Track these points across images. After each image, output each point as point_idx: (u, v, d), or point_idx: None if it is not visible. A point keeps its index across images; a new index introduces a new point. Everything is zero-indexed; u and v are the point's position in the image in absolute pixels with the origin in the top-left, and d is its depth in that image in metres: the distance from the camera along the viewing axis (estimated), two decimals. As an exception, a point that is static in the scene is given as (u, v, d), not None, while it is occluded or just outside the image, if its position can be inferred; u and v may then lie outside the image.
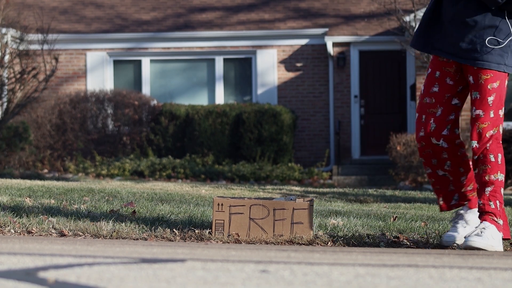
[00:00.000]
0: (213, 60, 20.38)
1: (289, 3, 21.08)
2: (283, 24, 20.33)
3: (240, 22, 20.64)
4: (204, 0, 21.42)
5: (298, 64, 20.05)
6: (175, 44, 20.31)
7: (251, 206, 4.98)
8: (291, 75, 20.09)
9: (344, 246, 4.93)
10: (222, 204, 4.98)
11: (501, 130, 4.64)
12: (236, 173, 17.76)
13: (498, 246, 4.64)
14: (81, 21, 21.00)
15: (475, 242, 4.57)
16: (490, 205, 4.64)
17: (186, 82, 20.56)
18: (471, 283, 2.78)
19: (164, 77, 20.63)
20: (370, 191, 11.54)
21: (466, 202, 4.82)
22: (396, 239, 5.02)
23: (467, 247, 4.62)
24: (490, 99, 4.56)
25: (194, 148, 18.85)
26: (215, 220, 4.97)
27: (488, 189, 4.65)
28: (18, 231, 5.07)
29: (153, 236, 4.96)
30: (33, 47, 18.03)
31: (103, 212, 5.83)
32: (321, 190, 12.13)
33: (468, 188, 4.79)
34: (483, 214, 4.69)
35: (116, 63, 20.65)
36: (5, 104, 17.43)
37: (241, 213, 4.97)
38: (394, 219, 6.05)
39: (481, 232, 4.60)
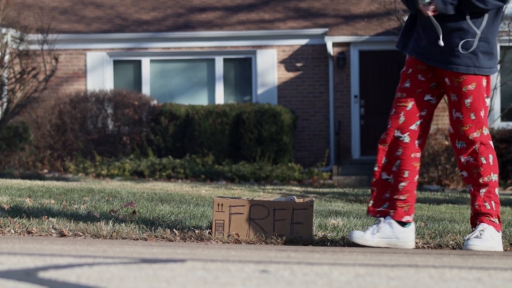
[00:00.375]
0: (213, 60, 20.38)
1: (289, 3, 21.08)
2: (283, 24, 20.33)
3: (240, 22, 20.64)
4: (204, 0, 21.42)
5: (298, 64, 20.05)
6: (175, 44, 20.31)
7: (251, 206, 4.98)
8: (291, 75, 20.09)
9: (344, 246, 4.93)
10: (222, 204, 4.98)
11: (485, 132, 4.65)
12: (236, 173, 17.76)
13: (498, 246, 4.66)
14: (81, 21, 21.00)
15: (476, 245, 4.60)
16: (485, 206, 4.68)
17: (186, 82, 20.56)
18: (471, 283, 2.78)
19: (164, 77, 20.63)
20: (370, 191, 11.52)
21: (391, 211, 4.78)
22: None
23: (467, 248, 4.63)
24: (467, 101, 4.59)
25: (194, 148, 18.85)
26: (215, 220, 4.97)
27: (483, 190, 4.68)
28: (18, 231, 5.08)
29: (153, 236, 4.96)
30: (33, 47, 18.03)
31: (103, 212, 5.84)
32: (321, 190, 12.13)
33: (401, 198, 4.74)
34: (480, 216, 4.71)
35: (116, 63, 20.65)
36: (5, 104, 17.44)
37: (241, 213, 4.97)
38: (394, 219, 6.04)
39: (480, 234, 4.62)
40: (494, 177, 4.67)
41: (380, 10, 19.46)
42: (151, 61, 20.54)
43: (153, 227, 5.14)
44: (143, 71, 20.54)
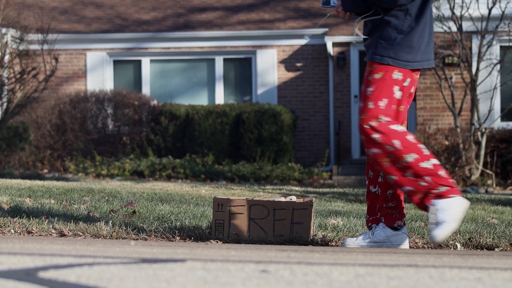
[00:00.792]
0: (213, 60, 20.38)
1: (289, 3, 21.08)
2: (283, 24, 20.34)
3: (240, 22, 20.64)
4: (204, 0, 21.42)
5: (298, 64, 20.05)
6: (175, 44, 20.31)
7: (251, 206, 4.98)
8: (291, 75, 20.09)
9: (344, 245, 4.93)
10: (222, 204, 4.98)
11: (383, 120, 4.50)
12: (236, 173, 17.76)
13: (456, 212, 4.47)
14: (81, 21, 21.00)
15: (436, 236, 4.48)
16: (420, 185, 4.50)
17: (186, 82, 20.56)
18: (471, 283, 2.78)
19: (164, 77, 20.63)
20: (370, 191, 11.51)
21: (383, 218, 4.77)
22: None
23: (433, 242, 4.59)
24: (369, 89, 4.56)
25: (194, 148, 18.85)
26: (215, 220, 4.97)
27: (408, 174, 4.52)
28: (18, 231, 5.08)
29: (153, 236, 4.96)
30: (33, 47, 18.03)
31: (103, 212, 5.84)
32: (321, 190, 12.13)
33: (390, 204, 4.74)
34: (425, 198, 4.54)
35: (116, 63, 20.65)
36: (5, 104, 17.44)
37: (241, 213, 4.97)
38: (394, 219, 6.04)
39: (435, 216, 4.47)
40: (411, 157, 4.50)
41: (380, 10, 19.46)
42: (151, 61, 20.54)
43: (153, 227, 5.14)
44: (143, 71, 20.54)
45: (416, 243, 5.02)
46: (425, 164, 4.50)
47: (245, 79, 20.45)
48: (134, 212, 5.81)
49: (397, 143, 4.52)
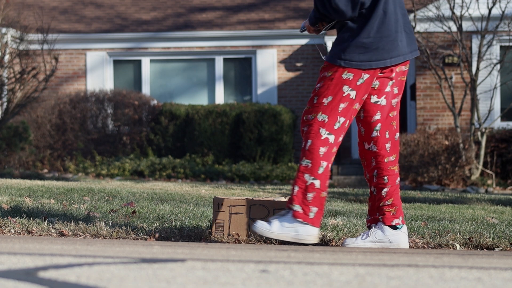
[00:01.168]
0: (213, 60, 20.38)
1: (289, 3, 21.09)
2: (283, 24, 20.34)
3: (240, 22, 20.64)
4: (204, 0, 21.42)
5: (298, 64, 20.05)
6: (175, 44, 20.31)
7: (251, 206, 4.98)
8: (291, 75, 20.10)
9: (344, 246, 4.93)
10: (222, 204, 4.98)
11: (320, 118, 4.61)
12: (236, 173, 17.76)
13: (286, 235, 4.58)
14: (81, 21, 21.00)
15: (257, 227, 4.61)
16: (293, 189, 4.65)
17: (186, 82, 20.56)
18: (471, 283, 2.78)
19: (164, 77, 20.62)
20: (370, 191, 11.51)
21: (380, 217, 4.81)
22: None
23: (252, 230, 4.66)
24: (318, 86, 4.65)
25: (194, 148, 18.85)
26: (215, 220, 4.97)
27: (296, 173, 4.68)
28: (18, 231, 5.08)
29: (153, 236, 4.96)
30: (33, 47, 18.03)
31: (103, 212, 5.83)
32: (321, 190, 12.11)
33: (386, 203, 4.79)
34: (289, 200, 4.71)
35: (116, 63, 20.65)
36: (5, 104, 17.44)
37: (241, 213, 4.97)
38: (394, 219, 6.04)
39: (279, 217, 4.64)
40: (304, 162, 4.62)
41: (380, 10, 19.46)
42: (151, 61, 20.54)
43: (153, 227, 5.14)
44: (143, 71, 20.54)
45: (416, 243, 5.03)
46: (307, 177, 4.61)
47: (245, 79, 20.45)
48: (134, 212, 5.81)
49: (308, 143, 4.64)
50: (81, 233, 5.01)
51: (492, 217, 6.74)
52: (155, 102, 19.57)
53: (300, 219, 4.61)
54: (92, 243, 4.41)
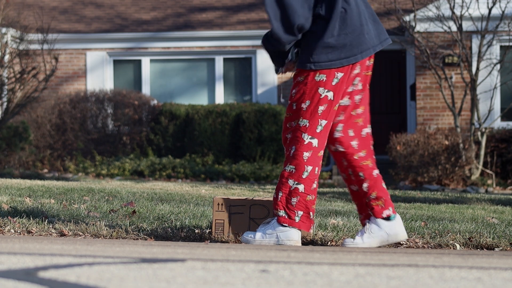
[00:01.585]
0: (213, 60, 20.38)
1: (289, 3, 21.08)
2: (283, 24, 20.32)
3: (240, 22, 20.64)
4: (204, 0, 21.41)
5: (298, 64, 20.04)
6: (175, 44, 20.31)
7: (251, 206, 4.98)
8: (291, 74, 20.08)
9: (344, 245, 4.93)
10: (222, 204, 4.98)
11: (301, 123, 4.62)
12: (236, 173, 17.76)
13: (281, 240, 4.63)
14: (81, 21, 21.00)
15: (242, 238, 4.72)
16: (277, 195, 4.68)
17: (186, 82, 20.56)
18: (471, 283, 2.78)
19: (164, 77, 20.62)
20: (370, 191, 11.51)
21: (371, 211, 4.81)
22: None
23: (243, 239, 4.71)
24: (293, 91, 4.66)
25: (194, 148, 18.85)
26: (215, 220, 4.97)
27: (280, 179, 4.71)
28: (18, 231, 5.08)
29: (153, 236, 4.96)
30: (33, 47, 18.02)
31: (103, 211, 5.83)
32: (321, 189, 12.13)
33: (371, 197, 4.79)
34: (274, 204, 4.75)
35: (116, 63, 20.65)
36: (5, 104, 17.44)
37: (241, 213, 4.97)
38: (394, 219, 6.04)
39: (264, 226, 4.69)
40: (288, 167, 4.65)
41: (380, 9, 19.46)
42: (151, 60, 20.53)
43: (153, 227, 5.14)
44: (143, 71, 20.54)
45: (416, 242, 5.03)
46: (291, 182, 4.64)
47: (245, 79, 20.45)
48: (134, 211, 5.81)
49: (292, 149, 4.65)
50: (81, 233, 5.01)
51: (492, 217, 6.74)
52: (155, 102, 19.58)
53: (285, 224, 4.64)
54: (92, 243, 4.41)
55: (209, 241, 4.91)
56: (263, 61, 20.07)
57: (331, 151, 4.87)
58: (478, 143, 17.18)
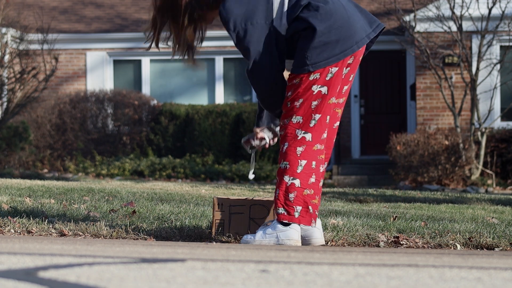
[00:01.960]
0: (213, 59, 20.38)
1: (289, 3, 21.09)
2: (283, 24, 20.34)
3: (240, 22, 20.64)
4: (204, 0, 21.41)
5: (298, 64, 20.05)
6: (175, 44, 20.30)
7: (251, 206, 4.98)
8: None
9: (344, 245, 4.93)
10: (222, 204, 4.98)
11: (294, 120, 4.64)
12: (236, 173, 17.76)
13: (281, 240, 4.65)
14: (81, 21, 20.99)
15: (242, 239, 4.72)
16: (275, 193, 4.70)
17: (186, 82, 20.56)
18: (471, 282, 2.78)
19: (164, 77, 20.62)
20: (370, 191, 11.54)
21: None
22: (396, 239, 5.02)
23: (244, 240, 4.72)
24: (289, 94, 4.67)
25: (194, 148, 18.85)
26: (215, 220, 4.97)
27: (278, 177, 4.71)
28: (18, 231, 5.08)
29: (153, 236, 4.96)
30: (33, 47, 18.03)
31: (103, 211, 5.83)
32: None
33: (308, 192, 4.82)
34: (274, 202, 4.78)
35: (116, 63, 20.65)
36: (5, 104, 17.44)
37: (241, 213, 4.97)
38: (394, 219, 6.05)
39: (265, 228, 4.70)
40: (283, 164, 4.66)
41: (380, 9, 19.46)
42: (151, 60, 20.53)
43: (153, 227, 5.14)
44: (143, 71, 20.54)
45: (416, 242, 5.02)
46: (286, 178, 4.64)
47: (245, 79, 20.44)
48: (134, 211, 5.81)
49: (285, 146, 4.67)
50: (81, 233, 5.01)
51: (492, 217, 6.74)
52: (155, 102, 19.58)
53: (285, 221, 4.64)
54: (92, 243, 4.41)
55: (209, 241, 4.91)
56: (263, 61, 20.07)
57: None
58: (478, 143, 17.18)
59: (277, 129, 4.89)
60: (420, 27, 17.85)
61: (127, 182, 12.20)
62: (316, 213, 4.78)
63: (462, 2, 16.89)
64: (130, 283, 2.56)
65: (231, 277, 2.77)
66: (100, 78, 20.37)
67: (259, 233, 4.68)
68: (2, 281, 2.53)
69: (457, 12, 17.05)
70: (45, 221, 5.25)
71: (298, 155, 4.64)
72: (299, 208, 4.64)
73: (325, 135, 4.71)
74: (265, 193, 10.04)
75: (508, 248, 4.92)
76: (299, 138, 4.65)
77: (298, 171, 4.64)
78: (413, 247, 4.94)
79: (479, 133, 17.07)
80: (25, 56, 17.69)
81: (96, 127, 19.38)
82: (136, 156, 18.72)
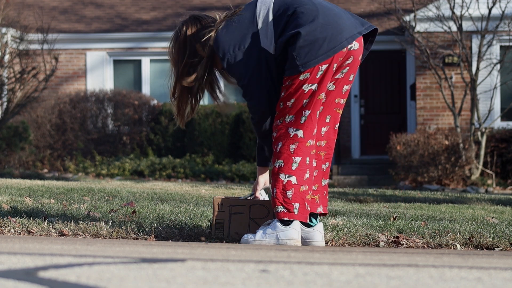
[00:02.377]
0: (213, 59, 20.36)
1: (289, 2, 21.08)
2: (283, 24, 20.33)
3: (240, 22, 20.63)
4: (204, 0, 21.41)
5: (298, 64, 20.04)
6: (175, 43, 20.30)
7: (251, 206, 4.98)
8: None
9: (344, 245, 4.93)
10: (222, 204, 4.98)
11: (287, 119, 4.69)
12: (236, 172, 17.76)
13: (282, 239, 4.66)
14: (81, 20, 20.99)
15: (242, 239, 4.74)
16: (273, 192, 4.72)
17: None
18: (471, 282, 2.78)
19: (164, 77, 20.61)
20: (370, 190, 11.54)
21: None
22: (396, 239, 5.02)
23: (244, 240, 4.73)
24: (282, 94, 4.71)
25: (194, 148, 18.85)
26: (215, 220, 4.97)
27: (273, 177, 4.75)
28: (18, 231, 5.08)
29: (153, 236, 4.96)
30: (33, 46, 18.03)
31: (103, 211, 5.83)
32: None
33: (313, 188, 4.86)
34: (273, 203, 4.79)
35: (116, 62, 20.65)
36: (5, 103, 17.44)
37: (241, 213, 4.97)
38: (394, 219, 6.05)
39: (265, 228, 4.72)
40: (278, 163, 4.70)
41: (380, 9, 19.46)
42: (151, 60, 20.53)
43: (153, 227, 5.14)
44: (143, 71, 20.54)
45: (416, 242, 5.02)
46: (282, 176, 4.68)
47: (245, 79, 20.45)
48: (134, 211, 5.81)
49: (279, 145, 4.71)
50: (81, 233, 5.01)
51: (492, 217, 6.74)
52: (155, 102, 19.57)
53: (285, 218, 4.65)
54: (92, 243, 4.41)
55: (209, 241, 4.91)
56: (263, 61, 20.08)
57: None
58: (478, 143, 17.18)
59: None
60: (420, 27, 17.85)
61: (127, 182, 12.20)
62: (319, 209, 4.81)
63: (462, 2, 16.89)
64: (130, 283, 2.56)
65: (231, 277, 2.77)
66: (100, 78, 20.37)
67: (259, 233, 4.69)
68: (2, 281, 2.53)
69: (457, 12, 17.05)
70: (45, 221, 5.25)
71: (292, 152, 4.68)
72: (297, 205, 4.66)
73: (315, 131, 4.74)
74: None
75: (508, 248, 4.92)
76: (291, 135, 4.69)
77: (293, 168, 4.68)
78: (413, 247, 4.94)
79: (479, 133, 17.07)
80: (25, 56, 17.69)
81: (96, 127, 19.38)
82: (136, 156, 18.71)
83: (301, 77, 4.64)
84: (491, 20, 16.97)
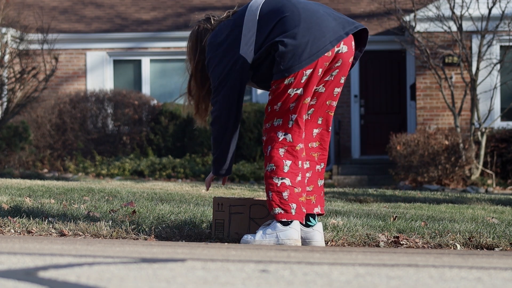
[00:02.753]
0: (213, 59, 20.36)
1: (289, 2, 21.08)
2: (283, 24, 20.33)
3: (240, 22, 20.63)
4: (204, 0, 21.41)
5: (298, 64, 20.04)
6: (175, 43, 20.31)
7: (251, 206, 4.98)
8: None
9: (344, 245, 4.93)
10: (222, 204, 4.98)
11: (276, 123, 4.75)
12: (236, 172, 17.76)
13: (281, 239, 4.67)
14: (81, 20, 20.99)
15: (242, 240, 4.76)
16: (268, 196, 4.74)
17: (186, 81, 20.55)
18: (471, 282, 2.78)
19: (164, 77, 20.62)
20: (370, 190, 11.54)
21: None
22: (396, 239, 5.02)
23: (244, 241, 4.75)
24: (269, 97, 4.79)
25: (194, 147, 18.85)
26: (215, 220, 4.97)
27: (266, 181, 4.78)
28: (18, 231, 5.08)
29: (153, 236, 4.96)
30: (33, 46, 18.02)
31: (103, 211, 5.83)
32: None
33: (307, 189, 4.88)
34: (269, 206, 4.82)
35: (116, 62, 20.65)
36: (5, 103, 17.44)
37: (241, 213, 4.97)
38: (394, 219, 6.05)
39: (264, 229, 4.74)
40: (270, 167, 4.74)
41: (380, 9, 19.46)
42: (151, 60, 20.53)
43: (153, 227, 5.14)
44: (143, 71, 20.54)
45: (416, 242, 5.03)
46: (275, 179, 4.71)
47: (245, 79, 20.45)
48: (134, 211, 5.81)
49: (268, 149, 4.77)
50: (81, 233, 5.01)
51: (492, 217, 6.74)
52: (155, 102, 19.58)
53: (284, 219, 4.66)
54: (92, 243, 4.41)
55: (209, 241, 4.91)
56: (263, 61, 20.08)
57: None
58: (478, 143, 17.18)
59: None
60: (420, 27, 17.85)
61: (127, 182, 12.20)
62: (316, 209, 4.83)
63: (462, 2, 16.89)
64: (130, 283, 2.56)
65: (231, 277, 2.77)
66: (100, 78, 20.37)
67: (259, 233, 4.70)
68: (2, 281, 2.54)
69: (457, 12, 17.05)
70: (45, 221, 5.25)
71: (282, 156, 4.73)
72: (294, 205, 4.69)
73: (304, 134, 4.77)
74: (265, 193, 10.03)
75: (508, 248, 4.92)
76: (280, 140, 4.74)
77: (285, 170, 4.72)
78: (413, 247, 4.94)
79: (479, 133, 17.07)
80: (25, 56, 17.69)
81: (96, 127, 19.38)
82: (136, 156, 18.72)
83: (286, 81, 4.70)
84: (491, 20, 16.97)
